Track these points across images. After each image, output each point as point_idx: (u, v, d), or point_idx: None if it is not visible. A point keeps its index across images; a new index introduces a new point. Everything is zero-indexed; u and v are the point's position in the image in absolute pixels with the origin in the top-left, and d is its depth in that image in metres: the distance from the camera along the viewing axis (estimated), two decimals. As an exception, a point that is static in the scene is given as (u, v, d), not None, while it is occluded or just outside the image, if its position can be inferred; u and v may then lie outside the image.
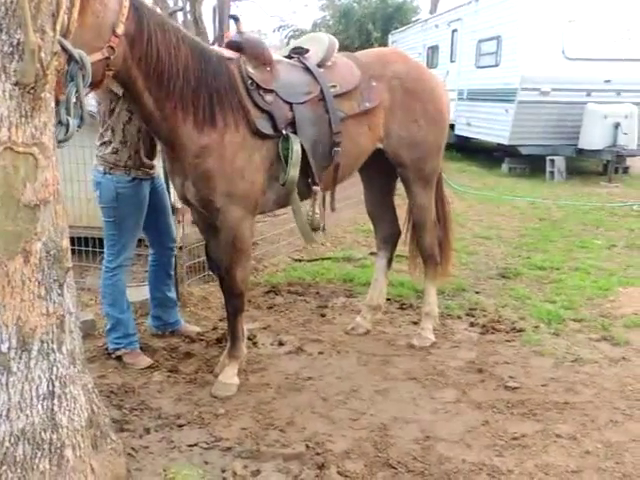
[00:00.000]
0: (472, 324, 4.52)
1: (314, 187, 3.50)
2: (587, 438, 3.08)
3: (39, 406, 2.27)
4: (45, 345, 2.27)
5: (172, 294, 4.27)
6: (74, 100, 2.46)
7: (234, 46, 3.43)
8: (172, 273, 4.31)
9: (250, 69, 3.36)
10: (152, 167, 3.81)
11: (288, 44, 20.34)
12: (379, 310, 4.45)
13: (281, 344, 4.15)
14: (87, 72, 2.47)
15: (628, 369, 3.82)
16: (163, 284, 4.18)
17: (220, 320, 4.45)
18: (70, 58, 2.39)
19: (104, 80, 2.95)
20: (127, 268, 3.98)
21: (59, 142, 2.43)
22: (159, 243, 4.09)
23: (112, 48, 2.83)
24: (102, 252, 4.36)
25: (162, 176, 4.07)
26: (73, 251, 5.08)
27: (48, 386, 2.29)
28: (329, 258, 6.19)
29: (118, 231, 3.75)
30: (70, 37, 2.34)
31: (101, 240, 5.32)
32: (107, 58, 2.83)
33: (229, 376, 3.53)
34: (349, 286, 5.37)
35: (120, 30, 2.84)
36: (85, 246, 5.18)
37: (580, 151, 11.37)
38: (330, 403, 3.41)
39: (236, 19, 3.73)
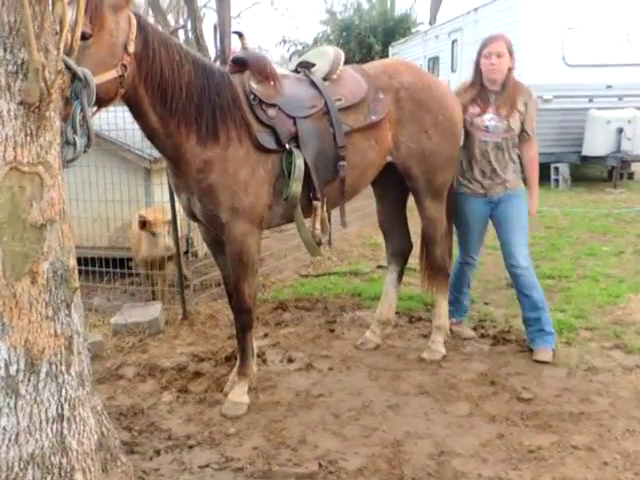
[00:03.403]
0: (483, 335, 4.47)
1: (314, 202, 3.48)
2: (604, 449, 3.03)
3: (48, 429, 2.24)
4: (54, 367, 2.25)
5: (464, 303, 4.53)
6: (80, 119, 2.46)
7: (238, 62, 3.44)
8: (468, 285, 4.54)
9: (253, 84, 3.37)
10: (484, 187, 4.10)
11: (291, 59, 20.42)
12: (389, 324, 4.41)
13: (290, 361, 4.12)
14: (91, 90, 2.47)
15: (643, 377, 3.76)
16: (459, 292, 4.45)
17: (229, 338, 4.41)
18: (74, 76, 2.39)
19: (116, 98, 2.96)
20: (472, 266, 4.40)
21: (67, 162, 2.43)
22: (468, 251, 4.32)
23: (125, 66, 2.87)
24: (108, 272, 4.39)
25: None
26: (80, 271, 5.09)
27: (57, 409, 2.27)
28: (336, 273, 6.16)
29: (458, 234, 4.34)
30: (74, 55, 2.34)
31: (107, 260, 5.35)
32: (121, 76, 2.87)
33: (239, 395, 3.49)
34: (357, 300, 5.34)
35: (131, 48, 2.89)
36: (92, 266, 5.16)
37: (584, 158, 11.33)
38: (342, 420, 3.37)
39: (240, 35, 3.74)
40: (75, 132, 2.41)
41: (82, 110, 2.44)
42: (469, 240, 4.26)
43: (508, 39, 4.05)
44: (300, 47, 23.87)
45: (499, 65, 3.89)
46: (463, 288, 4.45)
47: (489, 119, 3.96)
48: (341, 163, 3.52)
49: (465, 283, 4.45)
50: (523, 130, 4.03)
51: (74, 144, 2.40)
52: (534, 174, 4.21)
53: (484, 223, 4.23)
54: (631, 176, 11.83)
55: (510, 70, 3.93)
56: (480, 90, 4.02)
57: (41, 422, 2.22)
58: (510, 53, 3.91)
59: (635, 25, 11.15)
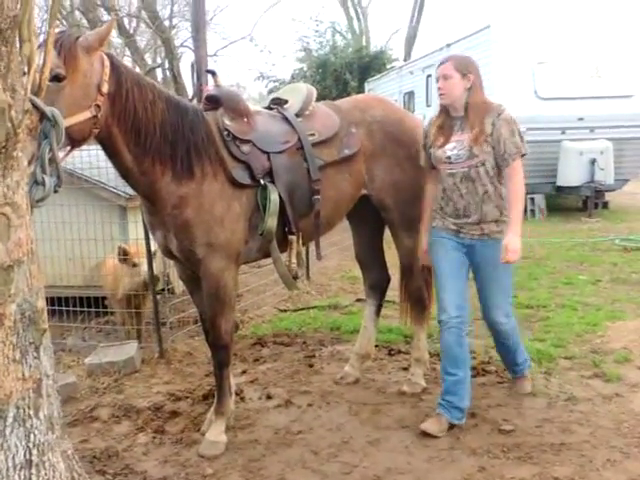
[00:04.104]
0: (462, 367, 4.44)
1: (290, 236, 3.49)
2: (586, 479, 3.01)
3: (16, 476, 2.18)
4: (21, 411, 2.19)
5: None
6: (48, 158, 2.44)
7: (212, 99, 3.47)
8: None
9: (227, 121, 3.40)
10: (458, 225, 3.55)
11: (268, 94, 20.70)
12: (368, 358, 4.37)
13: (269, 397, 4.05)
14: (60, 130, 2.46)
15: (622, 405, 3.76)
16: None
17: (206, 376, 4.35)
18: (43, 116, 2.38)
19: (89, 138, 2.97)
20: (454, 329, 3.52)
21: (37, 201, 2.40)
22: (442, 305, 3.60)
23: (99, 106, 2.89)
24: (83, 312, 4.31)
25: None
26: (54, 311, 5.09)
27: (25, 454, 2.20)
28: (315, 307, 6.13)
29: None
30: (42, 95, 2.33)
31: (81, 299, 5.28)
32: (95, 116, 2.88)
33: (216, 434, 3.42)
34: (336, 334, 5.30)
35: (105, 89, 2.91)
36: (65, 306, 5.08)
37: (559, 188, 11.52)
38: (321, 457, 3.31)
39: (213, 73, 3.80)
40: (44, 172, 2.39)
41: (51, 149, 2.43)
42: (440, 286, 3.59)
43: (463, 58, 3.58)
44: (277, 84, 24.14)
45: (445, 88, 3.44)
46: (449, 368, 3.55)
47: (451, 148, 3.45)
48: (316, 197, 3.53)
49: (453, 359, 3.53)
50: (499, 155, 3.40)
51: (43, 184, 2.38)
52: (513, 206, 3.41)
53: (458, 267, 3.56)
54: (606, 205, 12.03)
55: (471, 90, 3.42)
56: (445, 119, 3.55)
57: (8, 469, 2.15)
58: (463, 73, 3.40)
59: (603, 59, 11.46)
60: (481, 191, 3.46)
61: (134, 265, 4.81)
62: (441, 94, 3.48)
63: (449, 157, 3.46)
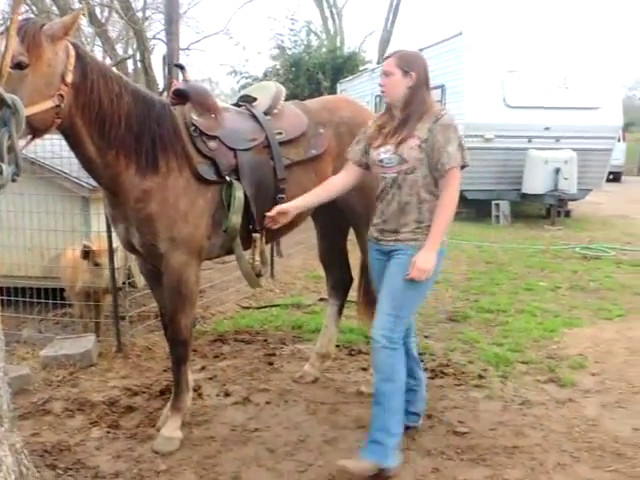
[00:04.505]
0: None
1: (254, 234, 3.47)
2: (536, 483, 3.06)
3: (-39, 469, 2.12)
4: (-32, 403, 2.14)
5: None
6: (7, 146, 2.39)
7: (180, 94, 3.43)
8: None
9: (194, 116, 3.37)
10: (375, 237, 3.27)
11: (239, 91, 20.61)
12: (328, 358, 4.38)
13: (227, 394, 4.03)
14: (20, 117, 2.41)
15: (575, 410, 3.83)
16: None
17: (164, 371, 4.30)
18: (2, 103, 2.33)
19: (52, 128, 2.92)
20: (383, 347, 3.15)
21: (-6, 189, 2.34)
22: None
23: (62, 96, 2.83)
24: (40, 303, 4.21)
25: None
26: (9, 302, 4.99)
27: (-29, 447, 2.15)
28: (278, 305, 6.12)
29: None
30: (2, 82, 2.28)
31: (39, 290, 5.18)
32: (57, 106, 2.83)
33: (172, 430, 3.39)
34: (298, 333, 5.30)
35: (69, 78, 2.86)
36: (22, 296, 4.98)
37: (524, 195, 11.72)
38: (277, 455, 3.30)
39: (182, 67, 3.78)
40: (2, 159, 2.34)
41: (10, 137, 2.38)
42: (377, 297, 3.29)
43: (407, 54, 3.18)
44: (250, 80, 24.03)
45: (387, 85, 3.12)
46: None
47: (385, 151, 3.11)
48: (281, 195, 3.52)
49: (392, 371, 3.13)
50: (432, 163, 3.03)
51: (0, 172, 2.33)
52: (436, 220, 3.03)
53: (380, 277, 3.26)
54: (568, 214, 12.25)
55: (412, 89, 3.06)
56: (387, 119, 3.22)
57: (-47, 461, 2.10)
58: (405, 70, 3.06)
59: (571, 71, 11.68)
60: (405, 200, 3.09)
61: (96, 264, 4.73)
62: (382, 92, 3.19)
63: (381, 160, 3.13)
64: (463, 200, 11.90)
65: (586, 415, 3.77)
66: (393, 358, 3.07)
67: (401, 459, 3.13)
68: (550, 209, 11.76)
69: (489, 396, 4.03)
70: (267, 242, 3.69)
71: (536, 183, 11.32)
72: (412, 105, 3.07)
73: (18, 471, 2.33)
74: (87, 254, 4.71)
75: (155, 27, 22.10)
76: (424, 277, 2.98)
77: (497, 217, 11.61)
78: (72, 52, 2.89)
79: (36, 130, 2.82)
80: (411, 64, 3.09)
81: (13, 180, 2.46)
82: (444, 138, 2.98)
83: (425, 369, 4.45)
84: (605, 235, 10.41)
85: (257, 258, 3.54)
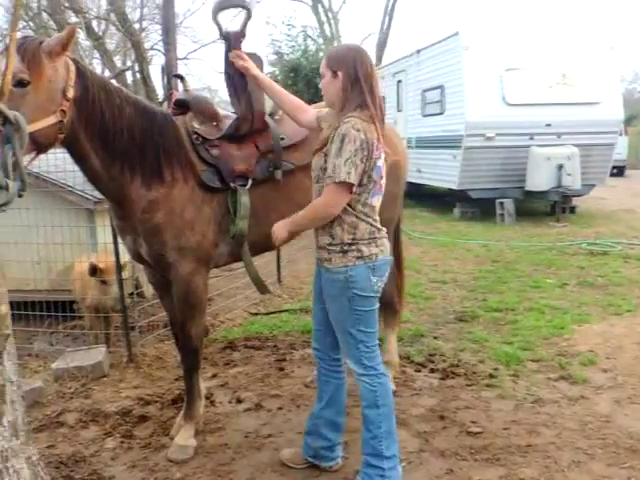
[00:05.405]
0: (432, 370, 4.49)
1: None
2: (551, 480, 3.05)
3: (-21, 484, 2.14)
4: (-16, 418, 2.15)
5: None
6: (12, 163, 2.41)
7: (181, 104, 3.46)
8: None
9: (196, 124, 3.40)
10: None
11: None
12: (338, 361, 4.37)
13: (239, 401, 4.04)
14: (23, 134, 2.43)
15: (587, 407, 3.83)
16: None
17: (176, 380, 4.32)
18: (5, 120, 2.35)
19: (55, 143, 2.94)
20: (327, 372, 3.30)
21: (0, 206, 2.36)
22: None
23: (64, 111, 2.86)
24: (50, 316, 4.23)
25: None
26: (20, 316, 5.01)
27: (-12, 461, 2.16)
28: (286, 310, 6.13)
29: None
30: (4, 99, 2.30)
31: (48, 303, 5.21)
32: (60, 121, 2.86)
33: (185, 438, 3.40)
34: (307, 338, 5.29)
35: (70, 94, 2.88)
36: (32, 310, 5.00)
37: (527, 193, 11.68)
38: (291, 460, 3.31)
39: (181, 78, 3.79)
40: (7, 176, 2.36)
41: (14, 154, 2.40)
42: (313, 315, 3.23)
43: (335, 52, 2.93)
44: (249, 87, 24.04)
45: (322, 88, 2.91)
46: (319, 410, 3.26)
47: (316, 160, 2.88)
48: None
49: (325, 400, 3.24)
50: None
51: (7, 188, 2.35)
52: (300, 212, 2.85)
53: (318, 295, 3.08)
54: (573, 210, 12.22)
55: (343, 91, 2.77)
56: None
57: (-29, 476, 2.12)
58: (333, 70, 2.80)
59: (570, 66, 11.66)
60: None
61: (103, 282, 4.74)
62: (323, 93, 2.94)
63: (313, 169, 2.91)
64: (467, 199, 12.00)
65: (599, 412, 3.77)
66: (371, 385, 2.97)
67: (401, 472, 3.02)
68: (554, 206, 11.73)
69: (501, 395, 4.03)
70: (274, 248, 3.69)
71: (539, 180, 11.29)
72: (346, 108, 2.79)
73: (35, 484, 2.34)
74: (94, 271, 4.72)
75: (152, 38, 22.24)
76: (277, 242, 2.92)
77: (502, 215, 11.59)
78: (72, 67, 2.92)
79: (40, 146, 2.84)
80: (337, 63, 2.81)
81: (19, 196, 2.49)
82: (336, 148, 2.69)
83: (436, 370, 4.47)
84: (611, 230, 10.37)
85: None
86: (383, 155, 2.85)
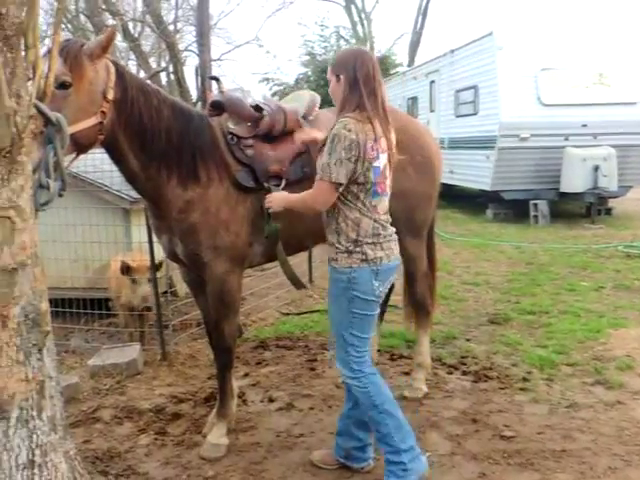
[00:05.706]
0: (464, 372, 4.46)
1: None
2: (587, 487, 3.01)
3: (18, 476, 2.20)
4: (24, 412, 2.21)
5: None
6: (53, 162, 2.46)
7: (216, 105, 3.50)
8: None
9: (231, 125, 3.42)
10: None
11: (273, 97, 20.76)
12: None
13: (271, 400, 4.07)
14: (65, 135, 2.48)
15: (624, 413, 3.76)
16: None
17: (209, 378, 4.36)
18: (47, 121, 2.41)
19: (95, 144, 3.01)
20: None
21: (41, 205, 2.42)
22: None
23: (104, 113, 2.92)
24: (86, 313, 4.30)
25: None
26: (57, 313, 5.11)
27: (28, 455, 2.22)
28: (318, 310, 6.13)
29: None
30: (47, 100, 2.35)
31: (85, 301, 5.30)
32: (100, 123, 2.92)
33: (218, 436, 3.44)
34: (338, 338, 5.30)
35: (110, 95, 2.94)
36: (69, 307, 5.10)
37: (562, 194, 11.51)
38: (323, 460, 3.31)
39: (217, 79, 3.82)
40: (48, 176, 2.42)
41: (55, 154, 2.45)
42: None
43: (339, 56, 3.04)
44: (282, 87, 24.20)
45: (330, 92, 2.96)
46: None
47: None
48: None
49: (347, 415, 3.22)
50: None
51: (48, 188, 2.40)
52: (300, 196, 2.93)
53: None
54: (609, 212, 12.01)
55: (345, 94, 2.83)
56: None
57: (11, 469, 2.17)
58: (337, 74, 2.88)
59: (607, 66, 11.46)
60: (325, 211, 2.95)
61: (133, 281, 4.81)
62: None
63: (317, 168, 2.91)
64: (500, 200, 11.87)
65: (636, 417, 3.70)
66: (362, 387, 2.96)
67: (427, 462, 3.03)
68: (590, 207, 11.53)
69: (535, 399, 3.98)
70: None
71: (575, 181, 11.12)
72: (345, 109, 2.83)
73: (72, 477, 2.39)
74: (126, 269, 4.79)
75: (187, 39, 22.50)
76: (269, 206, 3.01)
77: (535, 217, 11.44)
78: (112, 69, 2.98)
79: (81, 146, 2.90)
80: (339, 68, 2.88)
81: (60, 195, 2.54)
82: (327, 147, 2.76)
83: (468, 372, 4.44)
84: (648, 233, 10.17)
85: None
86: (384, 155, 2.85)
